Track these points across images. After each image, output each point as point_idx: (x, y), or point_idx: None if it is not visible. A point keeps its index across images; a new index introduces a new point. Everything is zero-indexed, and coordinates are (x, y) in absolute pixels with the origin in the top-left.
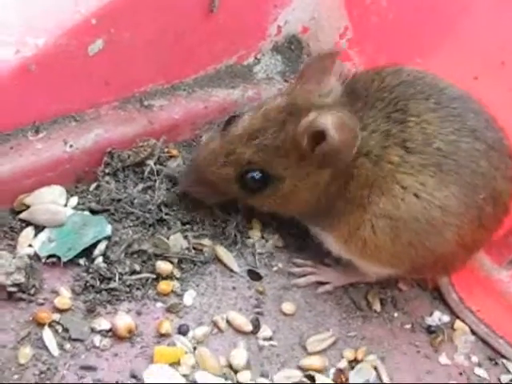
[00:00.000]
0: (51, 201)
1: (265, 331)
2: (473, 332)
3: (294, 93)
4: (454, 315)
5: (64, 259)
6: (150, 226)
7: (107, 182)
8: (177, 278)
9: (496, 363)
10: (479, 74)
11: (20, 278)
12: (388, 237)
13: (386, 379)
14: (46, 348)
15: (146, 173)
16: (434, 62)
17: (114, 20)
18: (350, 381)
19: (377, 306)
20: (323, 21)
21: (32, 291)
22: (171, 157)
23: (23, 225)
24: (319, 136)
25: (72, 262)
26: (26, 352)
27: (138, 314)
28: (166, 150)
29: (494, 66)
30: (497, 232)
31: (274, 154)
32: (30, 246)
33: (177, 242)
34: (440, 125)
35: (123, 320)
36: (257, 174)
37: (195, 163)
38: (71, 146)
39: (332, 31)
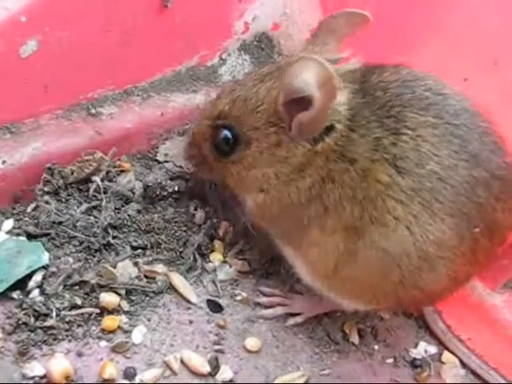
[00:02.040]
0: None
1: (224, 373)
2: (463, 364)
3: (297, 52)
4: (442, 346)
5: None
6: (95, 251)
7: (47, 202)
8: (124, 312)
9: None
10: (470, 75)
11: None
12: (380, 273)
13: None
14: None
15: (91, 191)
16: (419, 61)
17: (48, 18)
18: None
19: (354, 339)
20: (295, 16)
21: None
22: (122, 171)
23: None
24: (300, 101)
25: (3, 295)
26: None
27: (79, 355)
28: (117, 163)
29: (486, 66)
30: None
31: (244, 106)
32: None
33: (125, 270)
34: (437, 145)
35: (59, 364)
36: (228, 133)
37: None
38: (4, 161)
39: (305, 27)
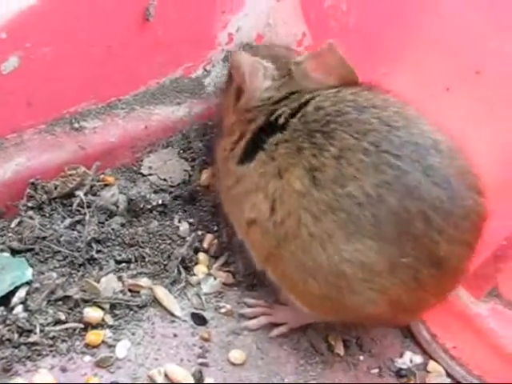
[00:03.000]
0: None
1: None
2: (448, 373)
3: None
4: (428, 355)
5: None
6: (79, 266)
7: (30, 218)
8: (109, 326)
9: None
10: (451, 85)
11: None
12: (298, 279)
13: None
14: None
15: (74, 205)
16: (400, 72)
17: (29, 34)
18: None
19: (339, 349)
20: (279, 27)
21: None
22: (106, 185)
23: None
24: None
25: None
26: None
27: (63, 370)
28: (101, 177)
29: (468, 76)
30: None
31: None
32: None
33: (109, 284)
34: (363, 171)
35: (43, 380)
36: None
37: None
38: None
39: (289, 38)
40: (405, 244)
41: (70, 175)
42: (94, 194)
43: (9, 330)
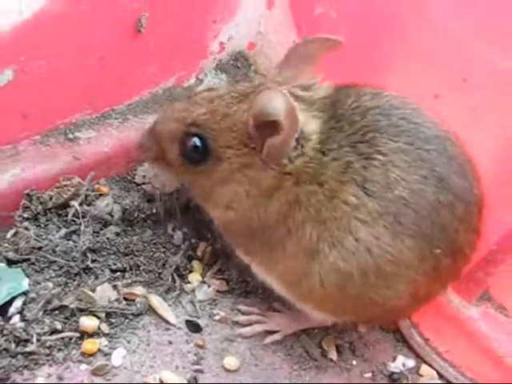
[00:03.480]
0: None
1: None
2: (441, 377)
3: (271, 75)
4: (420, 359)
5: None
6: (74, 275)
7: (26, 228)
8: (104, 335)
9: None
10: (440, 92)
11: None
12: (336, 290)
13: None
14: None
15: (69, 215)
16: (390, 79)
17: (23, 47)
18: None
19: (333, 354)
20: (270, 35)
21: None
22: (101, 195)
23: None
24: (269, 126)
25: None
26: None
27: (60, 378)
28: (95, 187)
29: (456, 83)
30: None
31: (220, 122)
32: None
33: (104, 293)
34: (406, 170)
35: None
36: (198, 142)
37: (158, 117)
38: None
39: (281, 46)
40: (435, 236)
41: (65, 186)
42: (89, 204)
43: (6, 340)
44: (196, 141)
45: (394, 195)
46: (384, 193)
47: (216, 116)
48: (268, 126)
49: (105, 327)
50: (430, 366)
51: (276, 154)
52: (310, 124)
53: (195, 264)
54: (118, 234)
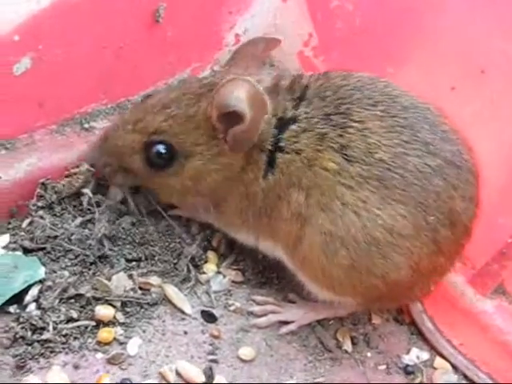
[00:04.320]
0: None
1: (219, 381)
2: (455, 369)
3: (220, 74)
4: (434, 351)
5: None
6: (90, 264)
7: (41, 217)
8: (120, 324)
9: None
10: (457, 84)
11: None
12: (324, 255)
13: None
14: None
15: (84, 204)
16: (406, 71)
17: (41, 36)
18: None
19: (348, 346)
20: (286, 27)
21: None
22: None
23: None
24: (232, 116)
25: (0, 310)
26: None
27: (76, 367)
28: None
29: (473, 75)
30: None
31: (184, 125)
32: None
33: (120, 282)
34: (385, 135)
35: (56, 377)
36: (163, 148)
37: (106, 131)
38: (0, 177)
39: (295, 38)
40: (429, 203)
41: (75, 174)
42: (103, 194)
43: (22, 328)
44: (160, 148)
45: (374, 159)
46: (364, 157)
47: (178, 120)
48: (232, 116)
49: (120, 316)
50: (445, 358)
51: (241, 143)
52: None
53: (210, 254)
54: (133, 224)
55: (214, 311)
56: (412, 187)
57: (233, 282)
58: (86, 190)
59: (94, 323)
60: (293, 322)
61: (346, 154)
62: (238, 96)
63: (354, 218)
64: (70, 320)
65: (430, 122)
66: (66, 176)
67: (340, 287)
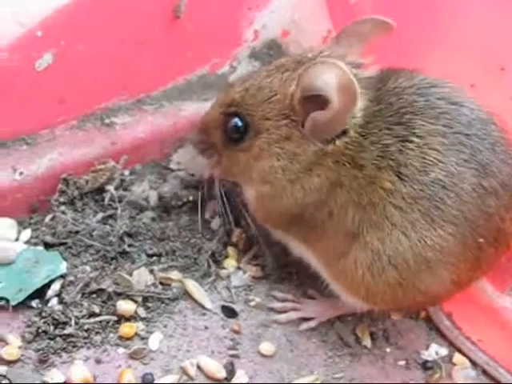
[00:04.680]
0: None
1: (240, 377)
2: (474, 365)
3: (320, 52)
4: (453, 347)
5: (13, 302)
6: (111, 259)
7: (63, 212)
8: (141, 319)
9: None
10: (476, 81)
11: None
12: (369, 272)
13: None
14: None
15: (106, 200)
16: (426, 68)
17: (63, 31)
18: None
19: (367, 342)
20: (304, 23)
21: None
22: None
23: None
24: (317, 100)
25: (22, 304)
26: None
27: (98, 362)
28: (130, 171)
29: (493, 72)
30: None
31: (258, 95)
32: None
33: (141, 277)
34: (445, 153)
35: (79, 371)
36: (239, 121)
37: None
38: (21, 173)
39: (314, 34)
40: (480, 224)
41: (100, 170)
42: (125, 189)
43: (45, 323)
44: (236, 120)
45: (429, 178)
46: (419, 176)
47: (251, 90)
48: (316, 101)
49: (141, 311)
50: (464, 354)
51: (321, 130)
52: (358, 102)
53: (230, 250)
54: (153, 220)
55: (235, 306)
56: (466, 206)
57: (253, 277)
58: (110, 187)
59: (115, 318)
60: (313, 318)
61: (401, 173)
62: (327, 80)
63: (403, 238)
64: (91, 315)
65: (492, 141)
66: (92, 171)
67: (381, 301)
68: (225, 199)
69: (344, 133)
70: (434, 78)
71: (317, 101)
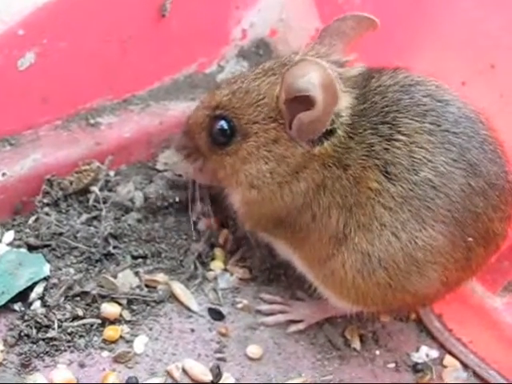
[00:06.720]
0: None
1: (227, 380)
2: (465, 367)
3: (303, 51)
4: (444, 349)
5: None
6: (96, 261)
7: (47, 214)
8: (126, 322)
9: None
10: (467, 79)
11: None
12: (359, 274)
13: None
14: None
15: (90, 201)
16: (415, 66)
17: (45, 30)
18: None
19: (356, 344)
20: (292, 22)
21: None
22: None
23: None
24: (302, 101)
25: (5, 308)
26: None
27: (81, 365)
28: (116, 172)
29: (484, 70)
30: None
31: (245, 98)
32: None
33: (126, 279)
34: (433, 151)
35: (62, 375)
36: (225, 124)
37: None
38: (4, 173)
39: (302, 33)
40: (468, 223)
41: (85, 170)
42: (110, 190)
43: (27, 326)
44: (222, 123)
45: (419, 177)
46: (408, 175)
47: (238, 94)
48: (301, 101)
49: (126, 314)
50: (454, 356)
51: (307, 131)
52: (343, 101)
53: (217, 251)
54: (139, 221)
55: (222, 309)
56: (455, 206)
57: (240, 279)
58: (94, 188)
59: (99, 321)
60: (301, 320)
61: (388, 172)
62: (311, 79)
63: (393, 239)
64: (75, 318)
65: (480, 140)
66: (76, 172)
67: (371, 303)
68: (208, 200)
69: (331, 132)
70: (418, 75)
71: (302, 101)
